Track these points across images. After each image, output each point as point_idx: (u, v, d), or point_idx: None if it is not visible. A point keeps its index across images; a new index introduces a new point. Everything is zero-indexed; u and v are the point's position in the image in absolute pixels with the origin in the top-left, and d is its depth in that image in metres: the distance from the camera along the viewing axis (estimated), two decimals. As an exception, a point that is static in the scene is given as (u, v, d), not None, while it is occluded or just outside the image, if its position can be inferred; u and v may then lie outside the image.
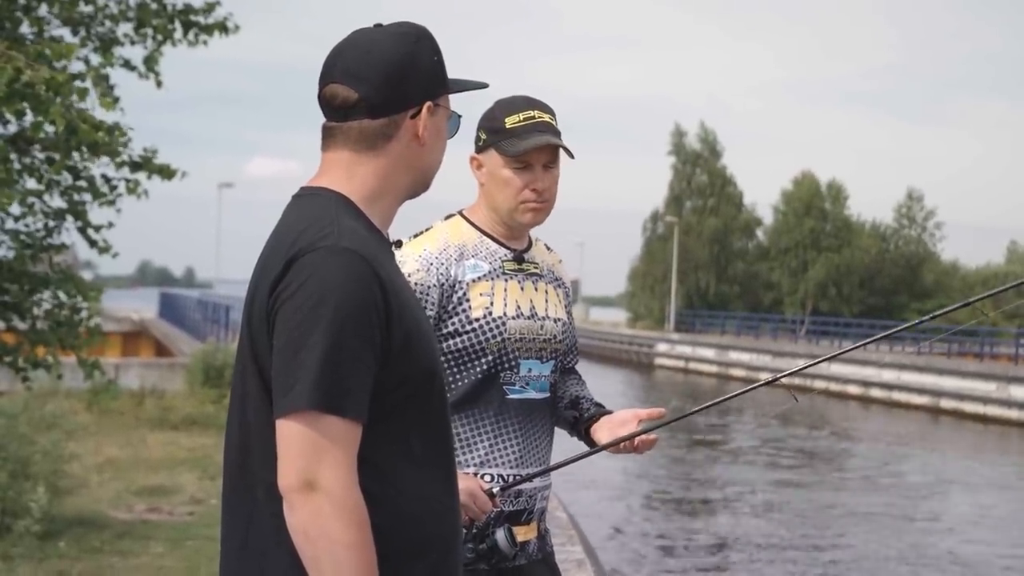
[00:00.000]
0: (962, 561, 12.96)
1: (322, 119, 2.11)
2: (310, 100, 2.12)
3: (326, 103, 2.09)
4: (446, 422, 2.09)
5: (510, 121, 2.89)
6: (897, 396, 33.78)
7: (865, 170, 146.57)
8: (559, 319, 3.01)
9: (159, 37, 8.81)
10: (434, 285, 2.85)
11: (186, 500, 10.30)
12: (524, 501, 2.92)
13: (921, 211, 67.85)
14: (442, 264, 2.87)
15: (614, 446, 2.94)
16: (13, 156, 7.75)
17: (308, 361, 1.87)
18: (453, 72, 2.18)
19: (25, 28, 8.23)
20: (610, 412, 3.02)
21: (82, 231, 8.27)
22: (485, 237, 2.96)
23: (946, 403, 31.85)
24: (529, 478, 2.90)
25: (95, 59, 8.61)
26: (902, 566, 12.61)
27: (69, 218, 8.29)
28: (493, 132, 2.91)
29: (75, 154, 7.86)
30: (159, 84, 8.96)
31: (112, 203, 8.25)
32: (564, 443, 3.11)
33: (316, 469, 1.85)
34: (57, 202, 8.32)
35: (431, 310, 2.83)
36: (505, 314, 2.90)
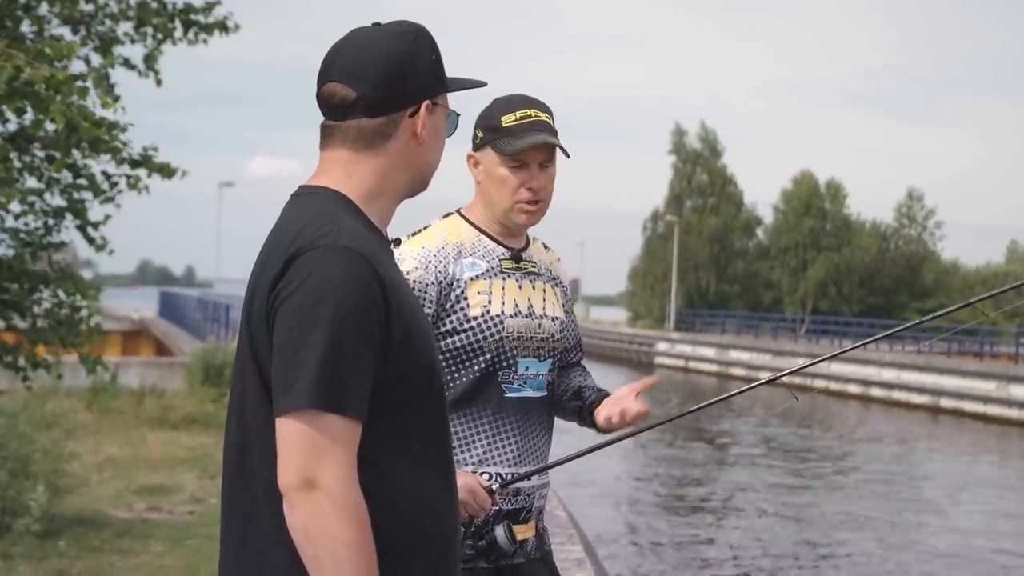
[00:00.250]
0: (962, 560, 12.97)
1: (322, 118, 2.12)
2: (311, 99, 2.12)
3: (324, 102, 2.09)
4: (445, 420, 2.09)
5: (507, 120, 2.90)
6: (897, 395, 33.77)
7: (866, 170, 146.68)
8: (556, 318, 3.01)
9: (159, 36, 8.81)
10: (432, 283, 2.85)
11: (186, 499, 10.30)
12: (523, 499, 2.92)
13: (921, 211, 67.88)
14: (440, 262, 2.87)
15: (608, 442, 2.94)
16: (13, 155, 7.75)
17: (308, 359, 1.87)
18: (453, 71, 2.18)
19: (25, 27, 8.24)
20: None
21: (81, 229, 8.27)
22: (483, 235, 2.96)
23: (946, 402, 31.84)
24: (527, 476, 2.90)
25: (95, 58, 8.62)
26: (902, 565, 12.62)
27: (68, 216, 8.29)
28: (490, 130, 2.92)
29: (75, 152, 7.86)
30: (159, 83, 8.96)
31: (112, 199, 8.25)
32: (563, 442, 3.11)
33: (316, 467, 1.85)
34: (57, 200, 8.32)
35: (429, 308, 2.83)
36: (503, 312, 2.90)
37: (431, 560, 2.01)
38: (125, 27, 8.80)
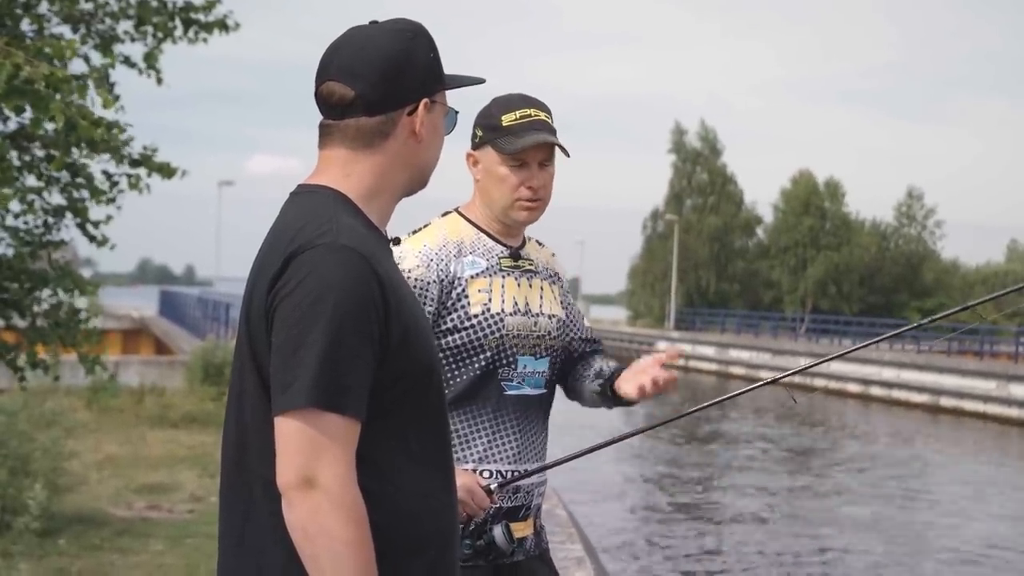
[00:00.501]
0: (961, 559, 12.97)
1: (320, 117, 2.11)
2: (310, 97, 2.12)
3: (323, 101, 2.09)
4: (444, 419, 2.09)
5: (507, 119, 2.90)
6: (897, 394, 33.77)
7: (865, 168, 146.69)
8: (554, 315, 3.02)
9: (159, 35, 8.80)
10: (434, 281, 2.85)
11: (186, 498, 10.30)
12: (522, 497, 2.93)
13: (921, 209, 67.92)
14: (442, 260, 2.88)
15: (607, 442, 2.94)
16: (13, 153, 7.75)
17: (307, 358, 1.87)
18: (453, 70, 2.18)
19: (25, 25, 8.23)
20: None
21: (81, 227, 8.27)
22: (482, 234, 2.97)
23: (946, 401, 31.84)
24: (528, 474, 2.90)
25: (95, 57, 8.61)
26: (902, 565, 12.62)
27: (68, 215, 8.28)
28: (490, 129, 2.92)
29: (75, 151, 7.86)
30: (159, 81, 8.95)
31: (113, 200, 8.25)
32: (563, 442, 3.11)
33: (315, 466, 1.85)
34: (56, 199, 8.31)
35: (431, 306, 2.84)
36: (503, 310, 2.91)
37: (430, 559, 2.01)
38: (125, 25, 8.80)
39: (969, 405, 30.89)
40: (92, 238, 8.29)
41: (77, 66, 8.23)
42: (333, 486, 1.85)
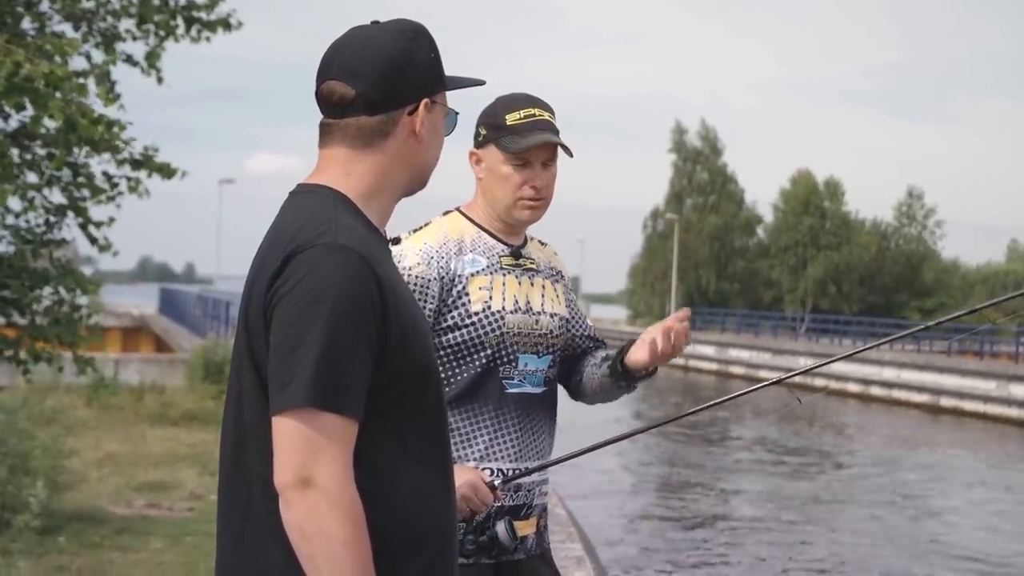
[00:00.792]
0: (961, 559, 12.97)
1: (321, 116, 2.11)
2: (311, 96, 2.13)
3: (323, 100, 2.09)
4: (442, 418, 2.09)
5: (511, 118, 2.91)
6: (897, 394, 33.77)
7: (866, 168, 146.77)
8: (555, 314, 3.02)
9: (161, 33, 8.80)
10: (434, 279, 2.86)
11: (185, 496, 10.30)
12: (523, 496, 2.93)
13: (921, 209, 67.96)
14: (442, 258, 2.88)
15: (607, 441, 2.94)
16: (14, 151, 7.75)
17: (305, 358, 1.87)
18: (455, 69, 2.18)
19: (26, 23, 8.24)
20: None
21: (83, 227, 8.27)
22: (483, 232, 2.98)
23: (946, 401, 31.84)
24: (529, 472, 2.90)
25: (97, 55, 8.61)
26: (903, 565, 12.62)
27: (70, 214, 8.29)
28: (494, 128, 2.92)
29: (75, 150, 7.86)
30: (160, 81, 8.96)
31: (113, 199, 8.25)
32: (563, 442, 3.11)
33: (312, 466, 1.85)
34: (57, 198, 8.32)
35: (431, 304, 2.84)
36: (504, 308, 2.91)
37: (428, 558, 2.01)
38: (127, 24, 8.80)
39: (969, 405, 30.89)
40: (94, 240, 8.30)
41: (78, 64, 8.24)
42: (330, 486, 1.85)
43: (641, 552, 12.68)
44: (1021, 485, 19.90)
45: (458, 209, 3.03)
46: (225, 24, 8.96)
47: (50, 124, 7.09)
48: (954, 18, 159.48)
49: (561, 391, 3.09)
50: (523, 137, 2.89)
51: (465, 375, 2.87)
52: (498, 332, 2.88)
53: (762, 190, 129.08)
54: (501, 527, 2.85)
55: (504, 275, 2.95)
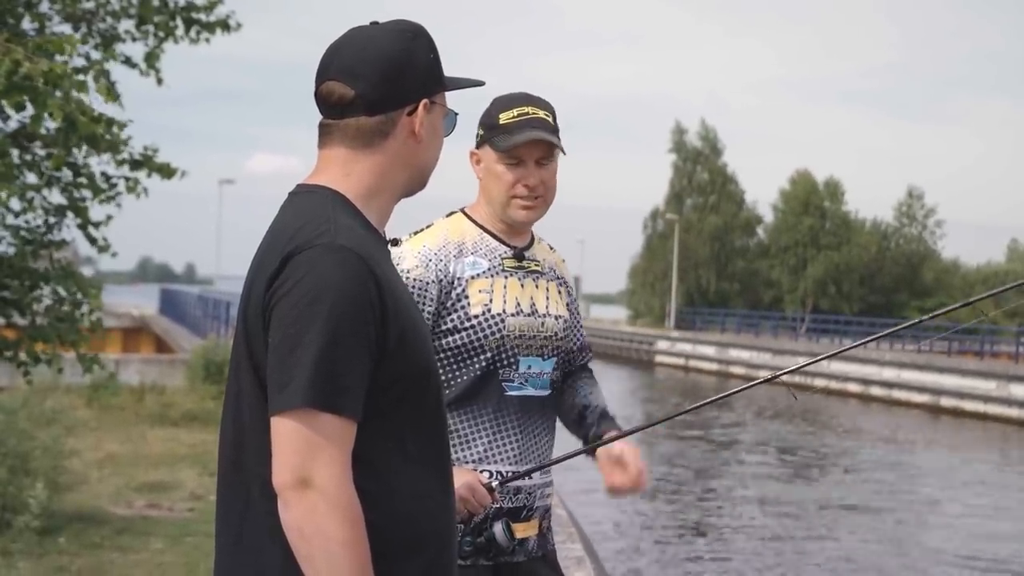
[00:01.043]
0: (961, 559, 12.97)
1: (320, 117, 2.11)
2: (311, 97, 2.12)
3: (323, 100, 2.09)
4: (441, 420, 2.09)
5: (504, 117, 2.91)
6: (897, 394, 33.76)
7: (866, 168, 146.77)
8: (560, 316, 3.01)
9: (161, 34, 8.80)
10: (433, 281, 2.85)
11: (186, 496, 10.30)
12: (523, 498, 2.92)
13: (921, 209, 67.90)
14: (441, 260, 2.88)
15: (607, 441, 2.95)
16: (14, 152, 7.75)
17: (304, 358, 1.87)
18: (455, 70, 2.18)
19: (26, 24, 8.24)
20: (611, 428, 2.99)
21: (82, 228, 8.27)
22: (485, 234, 2.96)
23: (946, 401, 31.84)
24: (527, 474, 2.90)
25: (96, 55, 8.61)
26: (904, 565, 12.62)
27: (70, 214, 8.29)
28: (489, 128, 2.93)
29: (75, 150, 7.86)
30: (159, 82, 8.95)
31: (112, 199, 8.25)
32: (562, 440, 3.11)
33: (311, 466, 1.85)
34: (57, 198, 8.32)
35: (429, 306, 2.83)
36: (504, 311, 2.90)
37: (427, 559, 2.01)
38: (127, 25, 8.80)
39: (969, 405, 30.89)
40: (93, 241, 8.30)
41: (77, 63, 8.23)
42: (329, 486, 1.85)
43: (641, 552, 12.68)
44: (1021, 485, 19.90)
45: (462, 210, 3.02)
46: (224, 25, 8.96)
47: (50, 124, 7.09)
48: (954, 18, 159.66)
49: None
50: (513, 135, 2.88)
51: (465, 378, 2.85)
52: (498, 335, 2.87)
53: (762, 190, 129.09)
54: (498, 528, 2.85)
55: (506, 278, 2.93)
